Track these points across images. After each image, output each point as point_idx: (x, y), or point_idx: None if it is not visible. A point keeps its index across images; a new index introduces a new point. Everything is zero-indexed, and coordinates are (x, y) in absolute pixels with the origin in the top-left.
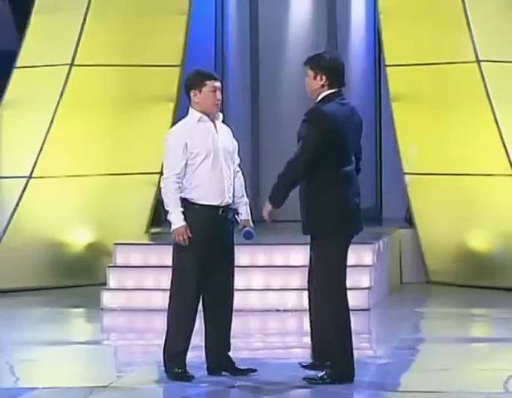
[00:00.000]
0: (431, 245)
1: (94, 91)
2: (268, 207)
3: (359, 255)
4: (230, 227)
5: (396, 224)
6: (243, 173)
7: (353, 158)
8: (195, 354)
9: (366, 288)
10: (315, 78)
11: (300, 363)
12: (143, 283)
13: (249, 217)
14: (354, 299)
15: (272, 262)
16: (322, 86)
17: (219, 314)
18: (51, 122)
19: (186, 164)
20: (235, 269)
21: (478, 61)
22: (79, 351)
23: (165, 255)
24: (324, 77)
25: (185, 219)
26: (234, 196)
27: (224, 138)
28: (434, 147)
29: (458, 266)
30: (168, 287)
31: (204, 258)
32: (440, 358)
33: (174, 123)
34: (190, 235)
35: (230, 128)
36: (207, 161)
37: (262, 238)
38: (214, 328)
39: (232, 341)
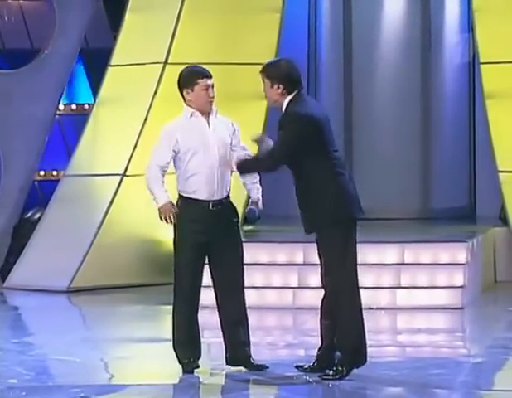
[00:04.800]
0: None
1: None
2: (233, 167)
3: (453, 254)
4: (226, 221)
5: (490, 222)
6: None
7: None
8: (288, 352)
9: (460, 287)
10: (272, 86)
11: (296, 366)
12: None
13: (259, 200)
14: (447, 298)
15: (365, 260)
16: (282, 94)
17: (228, 309)
18: (145, 119)
19: (178, 159)
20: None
21: None
22: (171, 348)
23: (258, 253)
24: (281, 86)
25: (182, 211)
26: (244, 183)
27: (220, 132)
28: None
29: None
30: (258, 284)
31: (197, 252)
32: None
33: (267, 120)
34: (176, 211)
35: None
36: (197, 156)
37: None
38: (226, 323)
39: None
